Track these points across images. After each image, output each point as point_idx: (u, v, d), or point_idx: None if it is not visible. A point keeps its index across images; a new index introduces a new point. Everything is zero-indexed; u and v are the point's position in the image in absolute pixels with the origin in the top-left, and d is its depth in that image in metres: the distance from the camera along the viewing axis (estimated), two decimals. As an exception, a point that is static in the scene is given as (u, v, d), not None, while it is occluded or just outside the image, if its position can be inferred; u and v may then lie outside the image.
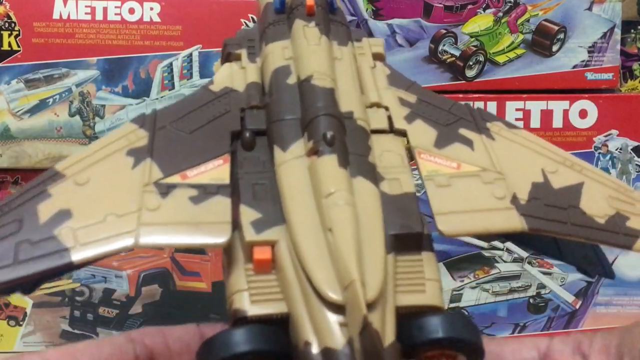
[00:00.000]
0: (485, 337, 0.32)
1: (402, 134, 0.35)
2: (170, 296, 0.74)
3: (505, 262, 0.78)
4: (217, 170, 0.32)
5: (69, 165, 0.33)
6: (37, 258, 0.29)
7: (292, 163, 0.32)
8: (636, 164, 0.76)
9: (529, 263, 0.78)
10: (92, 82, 0.72)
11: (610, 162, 0.76)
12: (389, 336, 0.28)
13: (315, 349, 0.28)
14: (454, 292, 0.77)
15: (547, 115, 0.75)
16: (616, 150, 0.76)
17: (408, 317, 0.29)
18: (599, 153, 0.76)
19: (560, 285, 0.79)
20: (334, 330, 0.27)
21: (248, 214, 0.31)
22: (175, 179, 0.32)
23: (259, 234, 0.30)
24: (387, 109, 0.36)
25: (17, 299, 0.74)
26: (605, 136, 0.76)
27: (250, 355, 0.28)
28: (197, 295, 0.74)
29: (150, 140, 0.33)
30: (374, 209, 0.31)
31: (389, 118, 0.35)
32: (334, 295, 0.28)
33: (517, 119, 0.75)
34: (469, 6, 0.76)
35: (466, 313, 0.29)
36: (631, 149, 0.76)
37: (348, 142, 0.33)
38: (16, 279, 0.29)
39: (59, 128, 0.72)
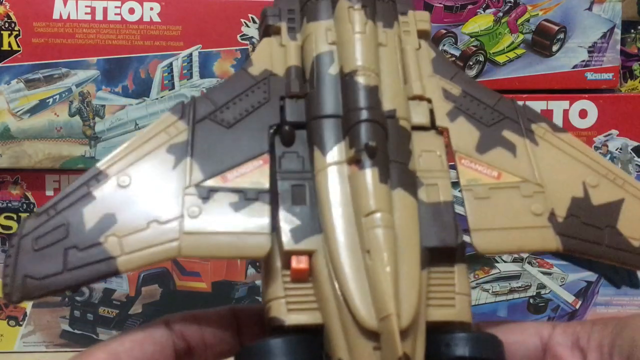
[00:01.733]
0: (490, 324, 0.33)
1: (444, 131, 0.34)
2: (170, 296, 0.74)
3: (505, 262, 0.78)
4: (257, 172, 0.32)
5: (112, 164, 0.32)
6: (86, 265, 0.30)
7: (332, 170, 0.32)
8: (636, 164, 0.76)
9: (529, 263, 0.78)
10: (92, 82, 0.72)
11: (610, 162, 0.76)
12: (418, 358, 0.29)
13: None
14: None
15: (547, 115, 0.75)
16: (616, 150, 0.76)
17: (435, 331, 0.30)
18: (599, 153, 0.76)
19: (560, 286, 0.79)
20: (368, 355, 0.28)
21: (287, 221, 0.31)
22: (216, 181, 0.32)
23: (297, 243, 0.30)
24: (429, 101, 0.35)
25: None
26: (605, 136, 0.76)
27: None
28: (197, 295, 0.74)
29: (190, 135, 0.33)
30: (411, 224, 0.31)
31: (431, 112, 0.34)
32: (370, 323, 0.28)
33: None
34: (469, 6, 0.76)
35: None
36: (631, 149, 0.76)
37: (389, 148, 0.32)
38: (67, 286, 0.30)
39: (59, 128, 0.72)
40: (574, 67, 0.77)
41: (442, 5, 0.75)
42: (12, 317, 0.74)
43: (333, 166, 0.32)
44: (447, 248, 0.31)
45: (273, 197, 0.32)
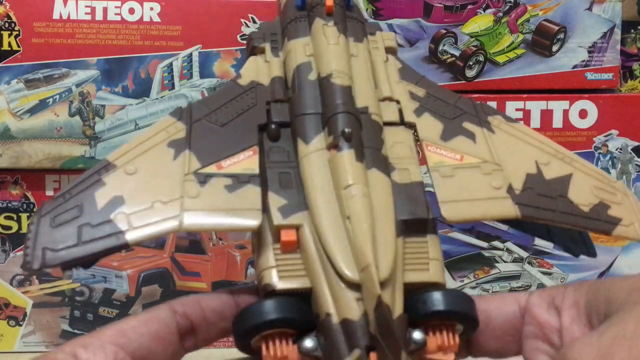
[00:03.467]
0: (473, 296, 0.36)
1: (412, 126, 0.38)
2: (170, 296, 0.74)
3: (505, 262, 0.78)
4: (248, 161, 0.37)
5: (119, 156, 0.37)
6: (98, 239, 0.34)
7: (314, 156, 0.36)
8: (636, 164, 0.76)
9: (529, 263, 0.78)
10: (92, 82, 0.72)
11: (610, 162, 0.76)
12: (397, 309, 0.32)
13: (335, 320, 0.32)
14: (454, 292, 0.77)
15: (547, 115, 0.75)
16: (616, 150, 0.76)
17: (414, 292, 0.33)
18: (599, 153, 0.76)
19: (560, 285, 0.79)
20: (352, 304, 0.32)
21: (275, 201, 0.35)
22: (211, 168, 0.36)
23: (285, 218, 0.35)
24: (398, 102, 0.39)
25: (17, 299, 0.74)
26: (605, 136, 0.76)
27: (279, 322, 0.33)
28: (197, 295, 0.74)
29: (188, 133, 0.38)
30: (386, 198, 0.35)
31: (400, 111, 0.39)
32: (352, 275, 0.32)
33: (517, 119, 0.75)
34: (469, 6, 0.76)
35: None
36: (631, 149, 0.76)
37: (364, 136, 0.36)
38: (80, 257, 0.33)
39: (59, 128, 0.72)
40: (574, 67, 0.77)
41: (442, 5, 0.76)
42: (12, 317, 0.74)
43: (315, 152, 0.36)
44: (419, 220, 0.35)
45: (262, 182, 0.36)
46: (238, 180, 0.36)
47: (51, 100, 0.72)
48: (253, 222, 0.34)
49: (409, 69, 0.41)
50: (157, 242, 0.74)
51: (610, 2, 0.76)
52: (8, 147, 0.72)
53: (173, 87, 0.73)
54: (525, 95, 0.75)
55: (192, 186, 0.35)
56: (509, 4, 0.76)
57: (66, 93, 0.72)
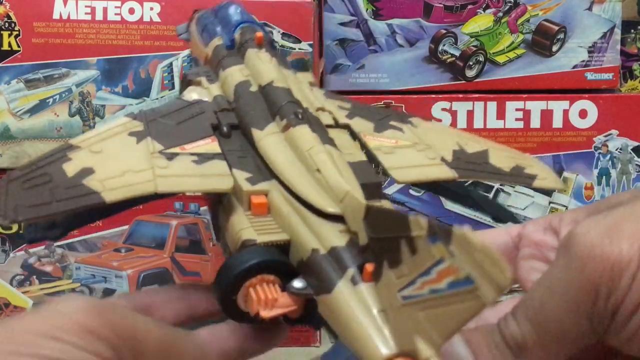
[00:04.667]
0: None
1: (346, 127, 0.43)
2: (170, 296, 0.74)
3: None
4: (208, 146, 0.40)
5: (82, 141, 0.38)
6: (73, 198, 0.34)
7: (271, 137, 0.40)
8: (636, 164, 0.76)
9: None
10: (92, 82, 0.72)
11: (610, 162, 0.76)
12: None
13: (322, 251, 0.33)
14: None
15: (547, 115, 0.75)
16: (616, 150, 0.76)
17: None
18: (599, 153, 0.76)
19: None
20: (336, 235, 0.34)
21: (240, 174, 0.38)
22: (175, 150, 0.38)
23: (253, 185, 0.37)
24: (330, 112, 0.44)
25: (17, 299, 0.74)
26: (605, 136, 0.76)
27: (262, 265, 0.34)
28: (197, 295, 0.74)
29: (146, 127, 0.40)
30: (345, 164, 0.38)
31: (334, 118, 0.43)
32: (332, 208, 0.35)
33: (517, 119, 0.75)
34: (469, 6, 0.76)
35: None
36: (631, 149, 0.76)
37: (311, 121, 0.41)
38: (55, 213, 0.34)
39: (59, 128, 0.72)
40: (574, 67, 0.77)
41: (442, 5, 0.76)
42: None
43: (271, 135, 0.40)
44: (375, 183, 0.38)
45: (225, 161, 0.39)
46: (203, 157, 0.38)
47: (51, 100, 0.72)
48: (226, 184, 0.37)
49: (332, 93, 0.47)
50: (157, 242, 0.74)
51: (610, 2, 0.76)
52: (8, 147, 0.72)
53: (173, 87, 0.72)
54: (525, 95, 0.75)
55: (160, 161, 0.37)
56: (509, 4, 0.76)
57: (66, 93, 0.72)
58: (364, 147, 0.41)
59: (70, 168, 0.36)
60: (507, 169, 0.43)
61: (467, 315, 0.26)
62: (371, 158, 0.40)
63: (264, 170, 0.38)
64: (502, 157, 0.44)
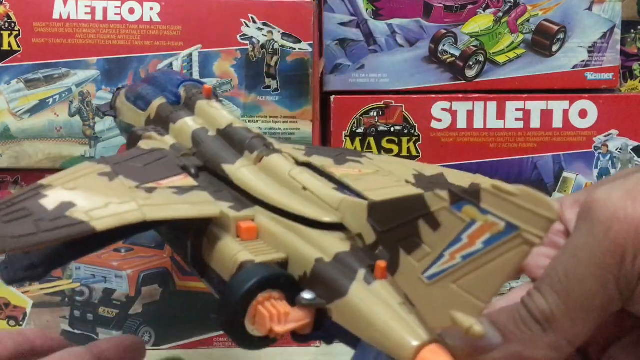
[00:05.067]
0: None
1: (308, 164, 0.43)
2: (170, 296, 0.74)
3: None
4: (183, 181, 0.40)
5: (53, 180, 0.38)
6: (60, 228, 0.33)
7: (244, 168, 0.40)
8: (636, 164, 0.76)
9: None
10: (92, 82, 0.72)
11: (610, 162, 0.76)
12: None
13: (327, 259, 0.33)
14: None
15: (547, 115, 0.75)
16: (616, 150, 0.76)
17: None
18: (599, 153, 0.76)
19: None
20: (339, 242, 0.34)
21: (222, 205, 0.38)
22: (152, 185, 0.38)
23: (238, 212, 0.37)
24: (288, 153, 0.44)
25: (17, 298, 0.74)
26: (605, 136, 0.76)
27: (268, 280, 0.33)
28: (197, 295, 0.74)
29: (113, 169, 0.40)
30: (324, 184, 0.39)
31: (293, 158, 0.44)
32: (330, 218, 0.35)
33: (517, 119, 0.75)
34: (469, 6, 0.76)
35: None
36: (631, 149, 0.76)
37: None
38: (45, 242, 0.33)
39: (59, 128, 0.72)
40: (574, 67, 0.77)
41: (442, 5, 0.75)
42: (12, 317, 0.74)
43: (243, 167, 0.40)
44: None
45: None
46: (183, 190, 0.39)
47: (51, 100, 0.72)
48: (215, 210, 0.37)
49: (286, 141, 0.49)
50: (157, 242, 0.74)
51: (610, 2, 0.76)
52: (8, 147, 0.72)
53: (173, 87, 0.72)
54: (525, 95, 0.75)
55: (140, 193, 0.37)
56: (509, 4, 0.76)
57: (66, 93, 0.72)
58: (331, 178, 0.41)
59: (49, 203, 0.35)
60: (465, 185, 0.44)
61: (513, 264, 0.27)
62: (342, 185, 0.40)
63: (243, 199, 0.39)
64: (458, 177, 0.46)
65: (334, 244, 0.34)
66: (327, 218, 0.35)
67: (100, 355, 0.39)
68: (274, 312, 0.32)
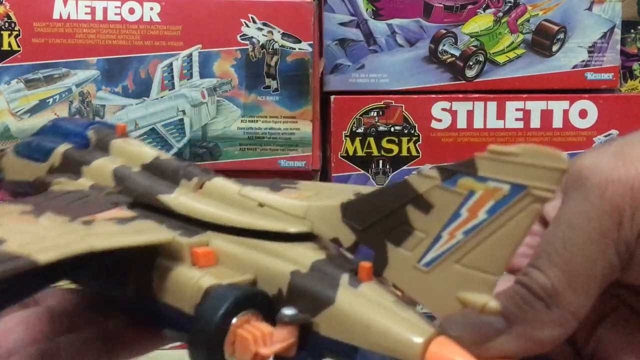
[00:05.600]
0: None
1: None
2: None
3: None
4: (120, 213, 0.36)
5: None
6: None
7: (185, 196, 0.37)
8: (636, 164, 0.76)
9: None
10: (92, 82, 0.72)
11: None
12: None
13: (304, 270, 0.31)
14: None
15: (547, 115, 0.75)
16: (616, 150, 0.76)
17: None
18: (599, 153, 0.76)
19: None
20: (312, 251, 0.31)
21: (171, 233, 0.34)
22: (87, 218, 0.34)
23: (190, 238, 0.33)
24: None
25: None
26: (605, 136, 0.76)
27: (244, 299, 0.30)
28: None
29: (36, 207, 0.36)
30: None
31: None
32: (298, 228, 0.32)
33: (517, 119, 0.75)
34: (469, 6, 0.76)
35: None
36: (631, 149, 0.76)
37: None
38: None
39: (59, 128, 0.72)
40: (574, 67, 0.77)
41: (442, 5, 0.75)
42: (12, 317, 0.74)
43: (184, 194, 0.37)
44: None
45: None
46: (124, 220, 0.35)
47: (51, 100, 0.72)
48: (167, 236, 0.33)
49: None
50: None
51: (610, 2, 0.76)
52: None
53: (173, 87, 0.72)
54: (525, 95, 0.75)
55: (77, 226, 0.33)
56: (509, 4, 0.76)
57: (66, 93, 0.72)
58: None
59: None
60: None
61: (524, 226, 0.25)
62: None
63: (190, 227, 0.35)
64: None
65: (308, 254, 0.31)
66: (293, 229, 0.32)
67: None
68: (256, 333, 0.29)
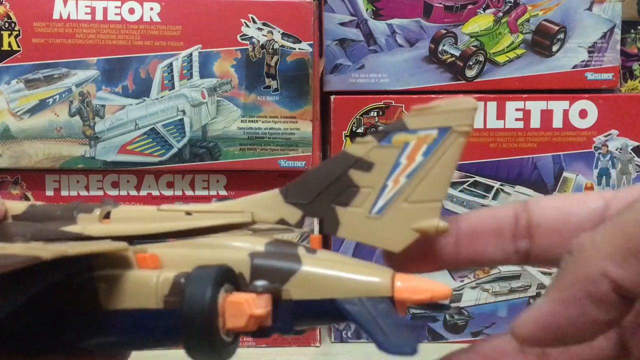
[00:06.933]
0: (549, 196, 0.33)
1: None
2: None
3: (505, 262, 0.78)
4: (34, 244, 0.34)
5: None
6: None
7: (93, 225, 0.34)
8: (636, 164, 0.76)
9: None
10: (92, 82, 0.72)
11: (610, 162, 0.76)
12: None
13: (261, 248, 0.32)
14: (454, 292, 0.77)
15: (547, 115, 0.75)
16: (616, 150, 0.76)
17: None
18: (599, 153, 0.76)
19: (560, 285, 0.79)
20: (258, 237, 0.32)
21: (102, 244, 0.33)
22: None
23: (132, 247, 0.32)
24: None
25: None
26: (605, 136, 0.76)
27: (223, 274, 0.30)
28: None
29: None
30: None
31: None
32: (241, 219, 0.33)
33: (517, 119, 0.75)
34: (469, 6, 0.76)
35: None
36: (631, 149, 0.76)
37: None
38: None
39: (59, 128, 0.72)
40: (574, 67, 0.77)
41: (442, 5, 0.75)
42: (12, 317, 0.74)
43: (92, 223, 0.35)
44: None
45: None
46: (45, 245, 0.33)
47: (51, 100, 0.72)
48: (121, 246, 0.32)
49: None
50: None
51: (610, 2, 0.76)
52: (8, 147, 0.71)
53: (173, 87, 0.72)
54: (525, 95, 0.75)
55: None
56: (509, 4, 0.76)
57: (66, 93, 0.72)
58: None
59: None
60: None
61: (455, 156, 0.31)
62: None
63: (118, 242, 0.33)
64: None
65: (256, 239, 0.32)
66: (238, 219, 0.33)
67: None
68: (247, 297, 0.30)
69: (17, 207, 0.37)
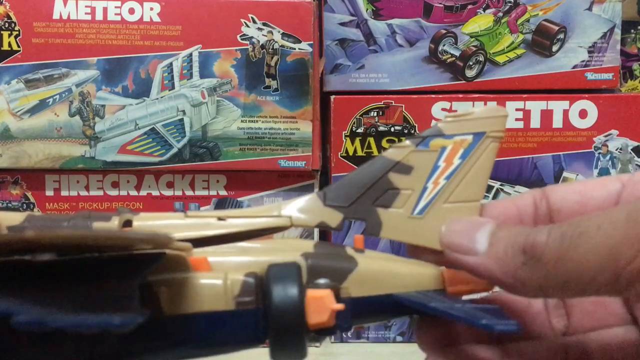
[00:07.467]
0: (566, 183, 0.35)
1: None
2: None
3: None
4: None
5: None
6: None
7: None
8: (636, 164, 0.76)
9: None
10: (92, 82, 0.72)
11: (610, 162, 0.76)
12: None
13: (312, 250, 0.33)
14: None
15: (547, 115, 0.75)
16: (616, 150, 0.76)
17: None
18: (599, 153, 0.76)
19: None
20: (301, 240, 0.35)
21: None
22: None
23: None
24: None
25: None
26: (605, 136, 0.76)
27: (299, 271, 0.32)
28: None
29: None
30: None
31: None
32: (283, 222, 0.34)
33: (517, 119, 0.75)
34: (469, 6, 0.76)
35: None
36: (631, 149, 0.76)
37: None
38: None
39: (59, 128, 0.72)
40: (574, 67, 0.77)
41: (442, 5, 0.75)
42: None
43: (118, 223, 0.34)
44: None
45: None
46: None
47: (51, 100, 0.72)
48: (188, 245, 0.32)
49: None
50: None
51: (610, 2, 0.76)
52: (8, 147, 0.71)
53: (173, 87, 0.72)
54: (525, 95, 0.75)
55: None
56: (509, 4, 0.76)
57: (66, 93, 0.72)
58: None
59: None
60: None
61: (490, 159, 0.32)
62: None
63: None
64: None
65: (300, 243, 0.33)
66: (277, 223, 0.33)
67: None
68: (326, 291, 0.30)
69: (13, 217, 0.34)
